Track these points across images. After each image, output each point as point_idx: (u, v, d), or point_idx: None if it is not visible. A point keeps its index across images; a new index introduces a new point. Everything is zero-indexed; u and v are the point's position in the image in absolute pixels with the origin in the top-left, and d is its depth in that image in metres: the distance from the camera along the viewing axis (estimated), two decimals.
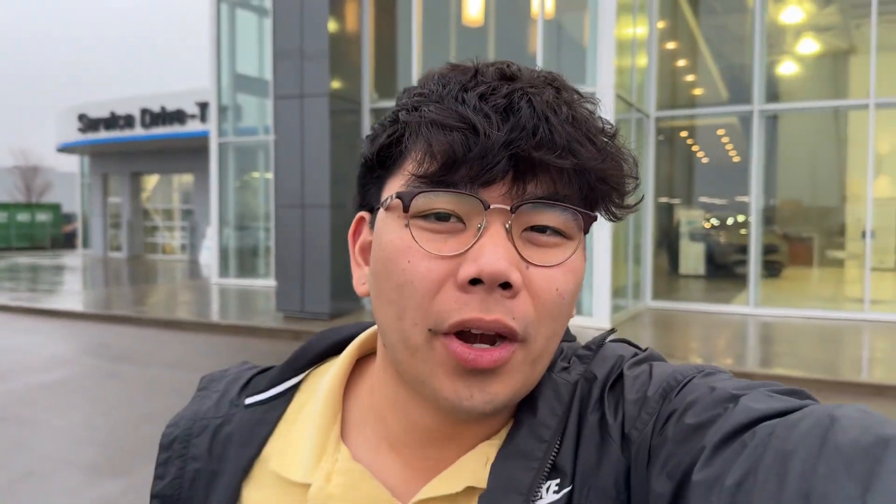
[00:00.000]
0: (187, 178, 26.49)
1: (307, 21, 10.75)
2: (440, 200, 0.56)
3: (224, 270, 15.79)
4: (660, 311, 11.64)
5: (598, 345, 0.68)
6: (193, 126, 21.30)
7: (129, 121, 22.64)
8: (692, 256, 14.03)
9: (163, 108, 21.84)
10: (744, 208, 12.06)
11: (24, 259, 26.66)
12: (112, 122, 23.04)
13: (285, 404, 0.71)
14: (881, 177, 16.26)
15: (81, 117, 23.87)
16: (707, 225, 14.41)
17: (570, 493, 0.59)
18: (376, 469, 0.64)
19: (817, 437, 0.42)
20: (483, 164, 0.54)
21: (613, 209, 0.61)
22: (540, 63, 10.87)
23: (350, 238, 0.69)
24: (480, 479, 0.60)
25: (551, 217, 0.57)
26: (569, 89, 0.60)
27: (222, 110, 15.47)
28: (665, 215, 14.04)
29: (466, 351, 0.55)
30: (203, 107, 20.49)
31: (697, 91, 13.98)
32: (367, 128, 11.63)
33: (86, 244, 29.28)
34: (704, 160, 14.67)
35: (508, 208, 0.56)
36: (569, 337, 0.70)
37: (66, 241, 35.64)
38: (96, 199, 27.47)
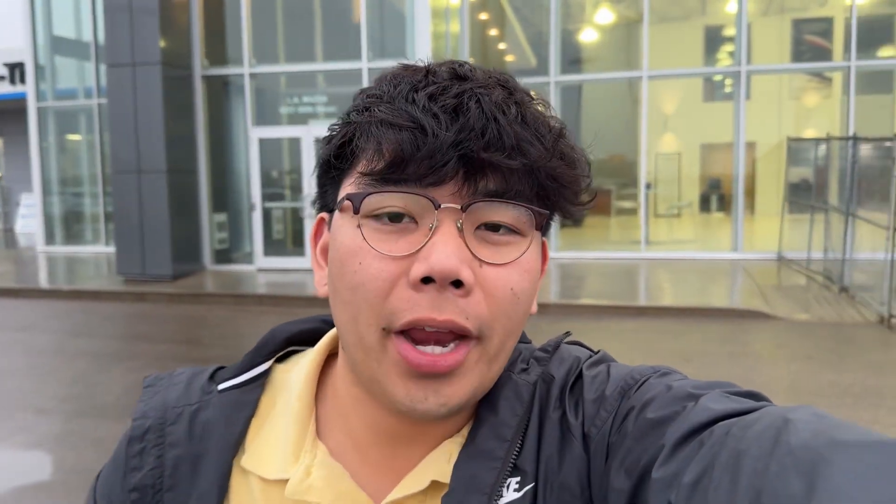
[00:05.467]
0: None
1: None
2: (391, 199, 0.56)
3: (50, 238, 15.55)
4: None
5: (554, 347, 0.68)
6: (2, 88, 20.20)
7: None
8: None
9: None
10: None
11: None
12: None
13: (260, 388, 0.71)
14: (667, 134, 18.75)
15: None
16: None
17: (533, 490, 0.60)
18: (349, 470, 0.64)
19: (770, 438, 0.43)
20: (431, 164, 0.54)
21: (567, 207, 0.61)
22: (364, 32, 11.84)
23: (311, 240, 0.69)
24: (444, 474, 0.61)
25: (503, 214, 0.57)
26: (520, 90, 0.60)
27: (39, 73, 15.10)
28: None
29: (418, 356, 0.55)
30: (13, 68, 19.46)
31: (508, 58, 15.47)
32: (199, 95, 12.14)
33: None
34: None
35: (459, 207, 0.55)
36: (524, 339, 0.71)
37: None
38: None
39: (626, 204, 15.37)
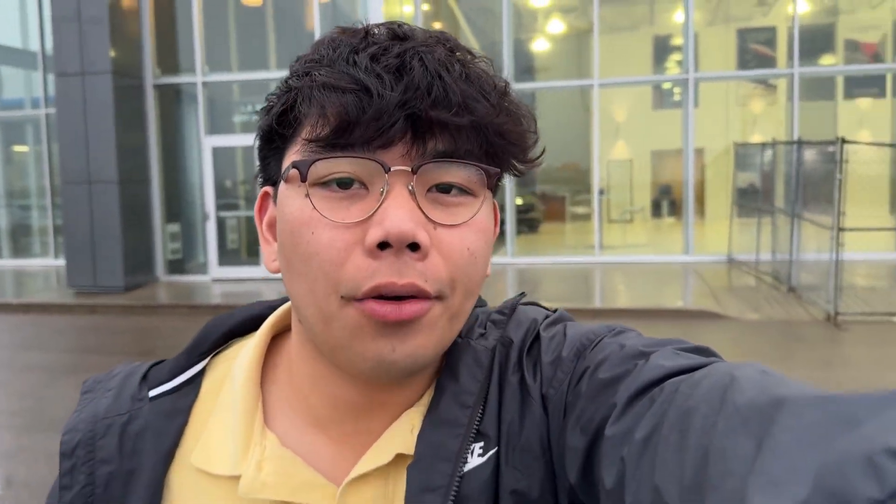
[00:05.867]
0: None
1: None
2: (339, 165, 0.55)
3: None
4: None
5: (511, 309, 0.69)
6: None
7: None
8: None
9: None
10: None
11: None
12: None
13: (195, 391, 0.69)
14: (618, 142, 19.05)
15: None
16: None
17: (497, 455, 0.60)
18: (305, 453, 0.63)
19: (717, 396, 0.44)
20: (378, 126, 0.53)
21: (517, 164, 0.61)
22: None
23: (256, 215, 0.67)
24: (408, 445, 0.60)
25: (453, 174, 0.56)
26: (462, 49, 0.59)
27: None
28: None
29: (383, 306, 0.54)
30: None
31: None
32: (151, 104, 11.98)
33: None
34: None
35: (410, 169, 0.54)
36: (480, 302, 0.70)
37: None
38: None
39: (580, 210, 15.57)
